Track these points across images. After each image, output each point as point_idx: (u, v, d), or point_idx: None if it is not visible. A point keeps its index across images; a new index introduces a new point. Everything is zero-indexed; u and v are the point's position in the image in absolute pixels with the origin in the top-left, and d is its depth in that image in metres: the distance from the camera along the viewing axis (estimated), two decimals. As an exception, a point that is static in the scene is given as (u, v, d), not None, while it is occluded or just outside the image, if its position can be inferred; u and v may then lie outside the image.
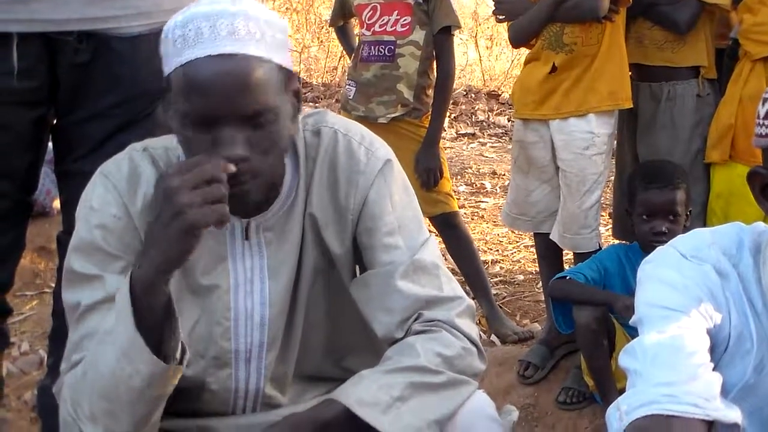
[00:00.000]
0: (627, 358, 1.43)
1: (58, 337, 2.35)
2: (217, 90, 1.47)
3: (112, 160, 1.68)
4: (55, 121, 2.23)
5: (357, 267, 1.78)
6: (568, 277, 2.81)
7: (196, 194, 1.40)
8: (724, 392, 1.39)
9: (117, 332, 1.47)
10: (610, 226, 3.58)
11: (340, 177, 1.69)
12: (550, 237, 3.21)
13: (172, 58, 1.51)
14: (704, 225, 2.94)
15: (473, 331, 1.70)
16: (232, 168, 1.45)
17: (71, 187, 2.24)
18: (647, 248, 2.60)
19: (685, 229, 2.76)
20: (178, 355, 1.51)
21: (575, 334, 2.82)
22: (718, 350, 1.45)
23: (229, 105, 1.47)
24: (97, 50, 2.11)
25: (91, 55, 2.10)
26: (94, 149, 2.16)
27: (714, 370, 1.40)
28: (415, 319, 1.66)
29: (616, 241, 3.30)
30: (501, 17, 3.30)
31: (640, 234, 2.81)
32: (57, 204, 3.64)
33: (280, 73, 1.54)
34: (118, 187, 1.62)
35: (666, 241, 1.59)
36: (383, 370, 1.60)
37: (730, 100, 2.94)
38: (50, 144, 2.29)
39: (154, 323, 1.47)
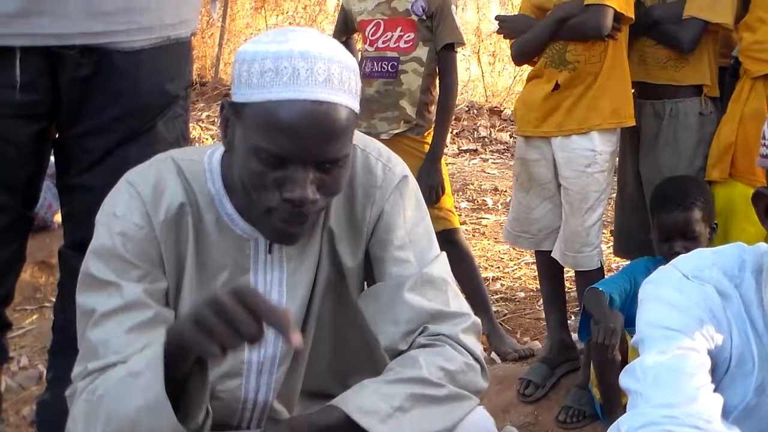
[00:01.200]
0: (628, 378, 1.43)
1: (57, 352, 2.34)
2: (304, 135, 1.46)
3: (138, 168, 1.68)
4: (56, 135, 2.23)
5: (365, 284, 1.79)
6: (601, 290, 2.79)
7: (216, 339, 1.34)
8: (725, 414, 1.39)
9: (144, 383, 1.44)
10: (611, 243, 3.57)
11: (357, 191, 1.71)
12: (552, 255, 3.21)
13: (258, 89, 1.48)
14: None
15: (477, 348, 1.70)
16: (258, 339, 1.35)
17: (73, 202, 2.25)
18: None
19: (710, 243, 2.76)
20: (201, 419, 1.50)
21: (587, 347, 2.81)
22: (719, 371, 1.44)
23: (312, 151, 1.48)
24: (98, 64, 2.11)
25: (92, 69, 2.11)
26: (96, 163, 2.17)
27: (715, 391, 1.39)
28: (420, 333, 1.67)
29: (617, 259, 3.30)
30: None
31: (661, 254, 2.82)
32: (58, 218, 3.65)
33: (355, 120, 1.55)
34: (143, 196, 1.62)
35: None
36: (385, 380, 1.60)
37: (731, 118, 2.94)
38: (52, 158, 2.29)
39: (184, 377, 1.47)
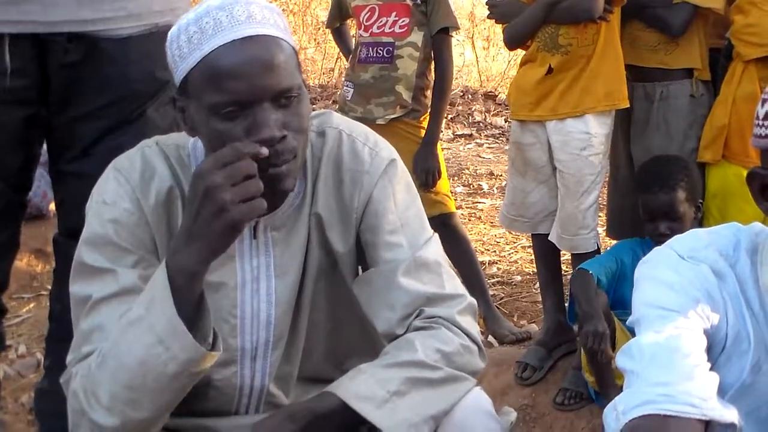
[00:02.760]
0: (624, 358, 1.43)
1: (54, 340, 2.35)
2: (246, 71, 1.49)
3: (124, 155, 1.69)
4: (48, 122, 2.23)
5: (359, 267, 1.79)
6: (590, 272, 2.80)
7: (237, 192, 1.43)
8: (721, 392, 1.40)
9: (151, 320, 1.47)
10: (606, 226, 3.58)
11: (344, 177, 1.71)
12: (549, 238, 3.21)
13: (190, 54, 1.52)
14: (700, 224, 2.94)
15: (474, 328, 1.71)
16: (265, 152, 1.47)
17: (66, 189, 2.26)
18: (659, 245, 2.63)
19: (695, 223, 2.77)
20: (210, 340, 1.53)
21: (578, 326, 2.82)
22: (715, 350, 1.45)
23: (260, 84, 1.49)
24: (86, 51, 2.11)
25: (80, 55, 2.11)
26: (87, 150, 2.17)
27: (711, 370, 1.40)
28: (416, 316, 1.67)
29: (613, 242, 3.30)
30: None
31: (647, 234, 2.84)
32: (53, 206, 3.64)
33: (294, 54, 1.57)
34: (131, 182, 1.63)
35: (672, 240, 1.59)
36: (381, 364, 1.60)
37: (724, 100, 2.95)
38: (45, 146, 2.30)
39: (191, 312, 1.49)
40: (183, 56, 1.53)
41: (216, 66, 1.49)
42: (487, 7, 3.36)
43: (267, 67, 1.49)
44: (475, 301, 1.77)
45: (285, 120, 1.52)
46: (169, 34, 1.56)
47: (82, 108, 2.16)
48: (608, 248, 3.15)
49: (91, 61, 2.13)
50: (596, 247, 3.15)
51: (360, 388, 1.56)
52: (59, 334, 2.30)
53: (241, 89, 1.48)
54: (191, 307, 1.50)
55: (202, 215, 1.44)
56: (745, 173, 2.98)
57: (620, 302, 2.82)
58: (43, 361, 2.46)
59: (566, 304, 3.39)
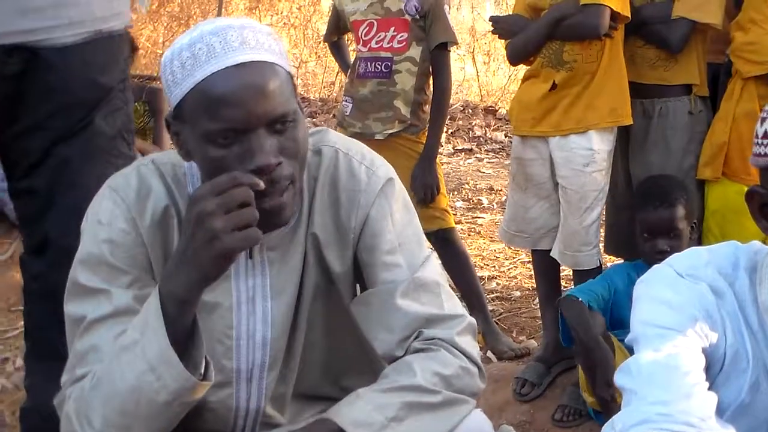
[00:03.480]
0: (622, 376, 1.43)
1: (32, 357, 2.30)
2: (239, 98, 1.46)
3: (119, 173, 1.67)
4: None
5: (357, 286, 1.77)
6: (580, 300, 2.75)
7: (231, 220, 1.40)
8: (720, 412, 1.39)
9: (144, 346, 1.45)
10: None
11: (341, 196, 1.69)
12: (551, 254, 3.21)
13: (184, 81, 1.49)
14: (700, 242, 2.94)
15: (474, 349, 1.69)
16: (262, 184, 1.44)
17: (22, 206, 2.22)
18: (652, 266, 2.60)
19: (691, 242, 2.76)
20: (202, 370, 1.51)
21: (574, 350, 2.81)
22: (714, 369, 1.45)
23: (254, 111, 1.47)
24: (27, 62, 2.07)
25: (21, 66, 2.07)
26: (36, 164, 2.14)
27: (709, 389, 1.39)
28: (416, 338, 1.65)
29: (615, 259, 3.30)
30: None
31: (644, 253, 2.81)
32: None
33: (289, 79, 1.55)
34: (127, 201, 1.61)
35: (669, 258, 1.59)
36: (379, 389, 1.58)
37: (724, 117, 2.95)
38: None
39: (183, 338, 1.47)
40: (176, 82, 1.50)
41: (209, 93, 1.47)
42: (490, 23, 3.36)
43: (261, 93, 1.47)
44: (474, 321, 1.75)
45: (281, 146, 1.50)
46: (163, 58, 1.54)
47: (28, 120, 2.12)
48: (607, 267, 3.14)
49: (33, 72, 2.08)
50: (598, 264, 3.15)
51: (358, 414, 1.53)
52: (35, 353, 2.28)
53: (236, 116, 1.46)
54: (183, 334, 1.47)
55: (194, 242, 1.42)
56: (746, 191, 2.98)
57: (618, 324, 2.80)
58: (24, 381, 2.41)
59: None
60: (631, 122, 3.06)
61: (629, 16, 2.96)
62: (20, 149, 2.14)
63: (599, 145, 3.05)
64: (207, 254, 1.41)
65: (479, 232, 5.30)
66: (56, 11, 2.08)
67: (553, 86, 3.07)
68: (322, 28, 5.48)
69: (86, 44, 2.14)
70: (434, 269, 1.72)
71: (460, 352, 1.65)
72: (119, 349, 1.49)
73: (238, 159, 1.48)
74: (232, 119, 1.46)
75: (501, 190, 6.05)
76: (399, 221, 1.71)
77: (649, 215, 2.77)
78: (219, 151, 1.48)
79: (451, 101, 3.81)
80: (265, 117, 1.47)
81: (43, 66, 2.08)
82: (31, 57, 2.07)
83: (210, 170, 1.50)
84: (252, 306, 1.67)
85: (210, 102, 1.47)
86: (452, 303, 1.71)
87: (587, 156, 3.04)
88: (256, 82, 1.47)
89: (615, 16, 2.94)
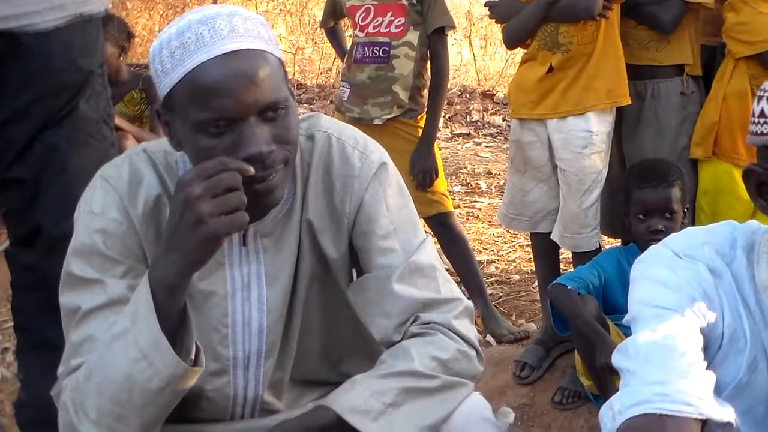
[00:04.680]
0: (620, 357, 1.43)
1: (23, 351, 2.30)
2: (230, 87, 1.45)
3: (111, 163, 1.67)
4: None
5: (354, 271, 1.77)
6: (569, 287, 2.76)
7: (217, 204, 1.40)
8: (718, 391, 1.40)
9: (135, 334, 1.45)
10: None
11: (335, 182, 1.69)
12: (551, 237, 3.21)
13: (173, 70, 1.48)
14: (692, 221, 2.95)
15: (471, 332, 1.69)
16: (252, 170, 1.44)
17: (9, 198, 2.19)
18: (645, 248, 2.57)
19: (683, 226, 2.76)
20: (193, 356, 1.51)
21: (571, 336, 2.82)
22: (712, 349, 1.45)
23: (245, 100, 1.46)
24: (9, 48, 2.05)
25: (2, 53, 2.05)
26: (22, 153, 2.12)
27: (707, 368, 1.40)
28: (413, 322, 1.65)
29: (612, 240, 3.30)
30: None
31: (638, 233, 2.81)
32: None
33: (280, 66, 1.54)
34: (119, 191, 1.60)
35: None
36: (376, 375, 1.59)
37: (715, 97, 2.97)
38: None
39: (173, 325, 1.47)
40: (166, 72, 1.49)
41: (199, 83, 1.45)
42: (486, 7, 3.36)
43: (252, 81, 1.46)
44: (471, 304, 1.75)
45: (273, 133, 1.50)
46: (151, 48, 1.52)
47: (10, 107, 2.10)
48: (615, 247, 3.14)
49: (14, 58, 2.07)
50: (598, 246, 3.15)
51: (355, 401, 1.54)
52: (26, 345, 2.27)
53: (226, 106, 1.45)
54: (174, 321, 1.47)
55: (181, 226, 1.41)
56: (734, 170, 3.00)
57: (611, 310, 2.80)
58: (17, 374, 2.40)
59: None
60: (629, 102, 3.06)
61: (624, -5, 2.97)
62: (4, 138, 2.12)
63: (597, 126, 3.04)
64: (194, 238, 1.40)
65: (478, 216, 5.30)
66: None
67: (550, 69, 3.06)
68: (319, 15, 5.47)
69: (67, 28, 2.12)
70: (430, 253, 1.72)
71: (457, 335, 1.65)
72: (111, 338, 1.49)
73: (229, 148, 1.47)
74: (222, 108, 1.45)
75: (499, 174, 6.05)
76: (393, 206, 1.71)
77: (646, 195, 2.76)
78: (210, 140, 1.47)
79: (448, 86, 3.80)
80: (255, 105, 1.47)
81: (24, 52, 2.07)
82: (13, 43, 2.05)
83: (201, 159, 1.48)
84: (247, 293, 1.67)
85: (200, 92, 1.46)
86: (448, 287, 1.71)
87: (585, 138, 3.04)
88: (246, 70, 1.46)
89: (609, -4, 2.94)
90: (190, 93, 1.47)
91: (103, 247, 1.58)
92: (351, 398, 1.54)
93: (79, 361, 1.55)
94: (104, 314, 1.55)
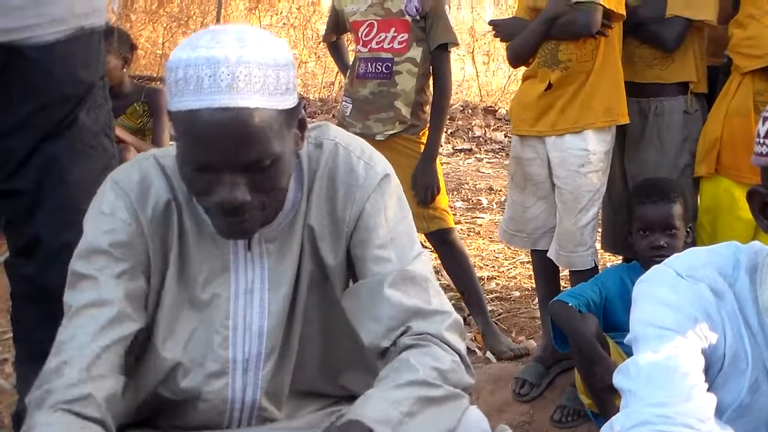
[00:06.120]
0: (621, 377, 1.43)
1: (22, 362, 2.31)
2: (215, 143, 1.48)
3: (120, 168, 1.70)
4: None
5: (350, 281, 1.78)
6: (569, 305, 2.75)
7: None
8: (719, 413, 1.39)
9: None
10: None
11: (338, 190, 1.71)
12: (548, 255, 3.21)
13: (173, 97, 1.51)
14: (694, 243, 2.94)
15: (461, 346, 1.70)
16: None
17: (9, 208, 2.21)
18: (647, 265, 2.58)
19: (686, 246, 2.76)
20: None
21: (571, 353, 2.81)
22: (713, 370, 1.44)
23: (228, 157, 1.49)
24: (10, 60, 2.07)
25: (3, 65, 2.07)
26: (23, 164, 2.13)
27: (709, 390, 1.39)
28: (404, 332, 1.65)
29: (612, 258, 3.29)
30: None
31: (640, 250, 2.80)
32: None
33: (281, 115, 1.54)
34: (129, 194, 1.63)
35: (665, 256, 1.59)
36: (389, 386, 1.58)
37: (717, 114, 2.96)
38: None
39: None
40: (171, 93, 1.52)
41: (189, 127, 1.49)
42: (490, 26, 3.36)
43: (237, 142, 1.48)
44: (461, 318, 1.75)
45: (254, 181, 1.53)
46: (168, 60, 1.53)
47: (12, 118, 2.12)
48: (605, 267, 3.14)
49: (16, 70, 2.09)
50: (593, 265, 3.14)
51: (374, 412, 1.53)
52: (25, 356, 2.27)
53: (207, 159, 1.49)
54: None
55: None
56: (734, 188, 3.00)
57: (612, 328, 2.80)
58: (16, 385, 2.39)
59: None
60: (628, 121, 3.06)
61: (624, 14, 2.96)
62: (5, 149, 2.14)
63: (595, 145, 3.04)
64: None
65: (479, 233, 5.29)
66: (38, 9, 2.09)
67: (549, 86, 3.06)
68: (322, 29, 5.48)
69: (69, 41, 2.14)
70: (424, 266, 1.73)
71: (449, 347, 1.65)
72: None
73: (207, 187, 1.52)
74: (204, 159, 1.50)
75: (500, 190, 6.05)
76: (392, 217, 1.73)
77: (648, 210, 2.76)
78: (191, 171, 1.53)
79: (450, 101, 3.81)
80: (239, 163, 1.50)
81: (26, 64, 2.09)
82: (14, 55, 2.07)
83: (183, 179, 1.56)
84: (250, 297, 1.69)
85: (189, 135, 1.50)
86: (439, 299, 1.72)
87: (582, 156, 3.04)
88: (234, 131, 1.48)
89: (609, 14, 2.94)
90: (182, 130, 1.51)
91: (109, 247, 1.61)
92: (371, 410, 1.53)
93: (57, 361, 1.56)
94: (90, 313, 1.57)
